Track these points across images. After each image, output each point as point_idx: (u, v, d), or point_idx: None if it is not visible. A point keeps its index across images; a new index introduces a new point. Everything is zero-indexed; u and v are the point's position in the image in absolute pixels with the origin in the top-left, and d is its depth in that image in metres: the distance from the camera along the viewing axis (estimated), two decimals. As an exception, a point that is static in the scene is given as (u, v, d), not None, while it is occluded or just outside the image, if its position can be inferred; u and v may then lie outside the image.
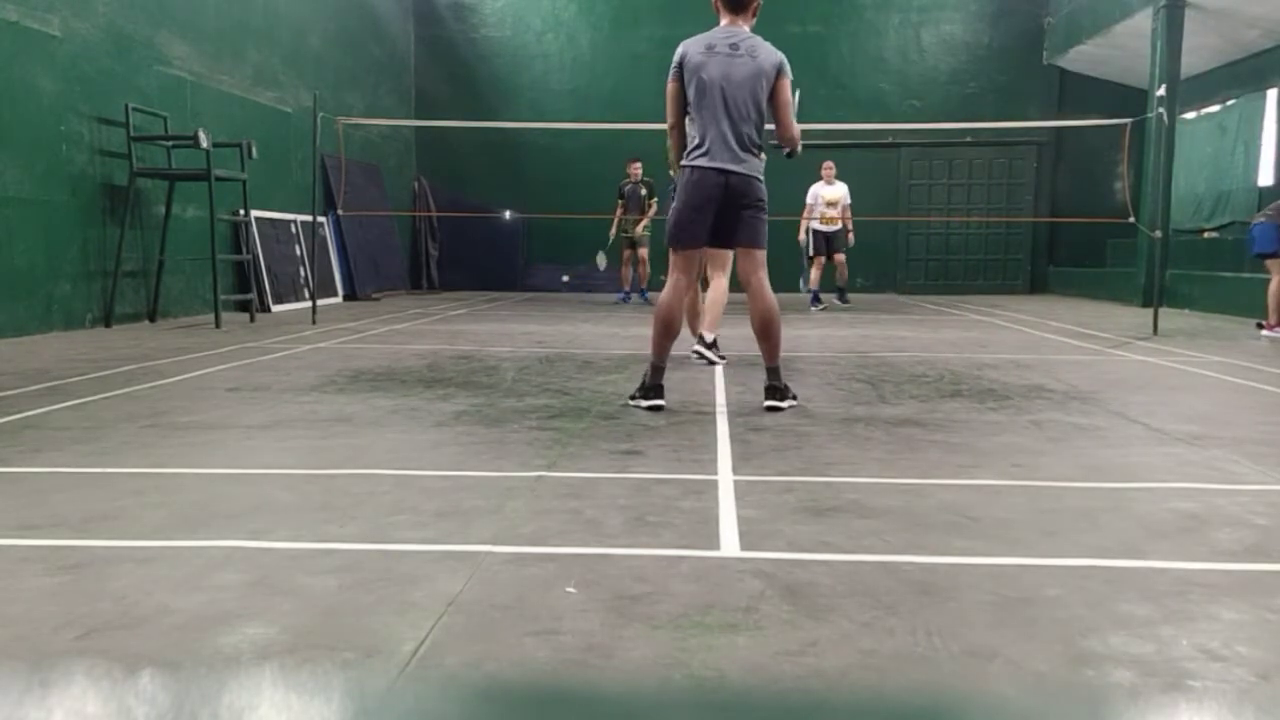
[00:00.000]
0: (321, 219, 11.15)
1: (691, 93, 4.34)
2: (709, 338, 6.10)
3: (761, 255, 4.46)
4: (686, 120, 4.45)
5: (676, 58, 4.40)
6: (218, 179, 8.56)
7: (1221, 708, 1.58)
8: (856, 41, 15.83)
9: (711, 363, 5.95)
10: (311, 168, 9.44)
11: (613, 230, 12.67)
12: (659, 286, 4.92)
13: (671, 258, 4.53)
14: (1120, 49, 13.79)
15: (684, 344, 5.87)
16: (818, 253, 11.93)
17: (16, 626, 1.85)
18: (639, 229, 12.52)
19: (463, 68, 16.19)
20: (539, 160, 15.76)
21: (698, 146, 4.34)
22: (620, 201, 12.65)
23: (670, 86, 4.43)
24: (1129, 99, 13.96)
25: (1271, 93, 12.58)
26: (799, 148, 4.63)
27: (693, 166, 4.35)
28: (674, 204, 4.50)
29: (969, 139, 15.62)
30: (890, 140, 15.56)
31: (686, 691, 1.61)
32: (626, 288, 12.91)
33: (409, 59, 16.08)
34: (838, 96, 15.62)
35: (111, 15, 8.45)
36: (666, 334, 4.46)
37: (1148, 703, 1.60)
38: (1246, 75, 13.04)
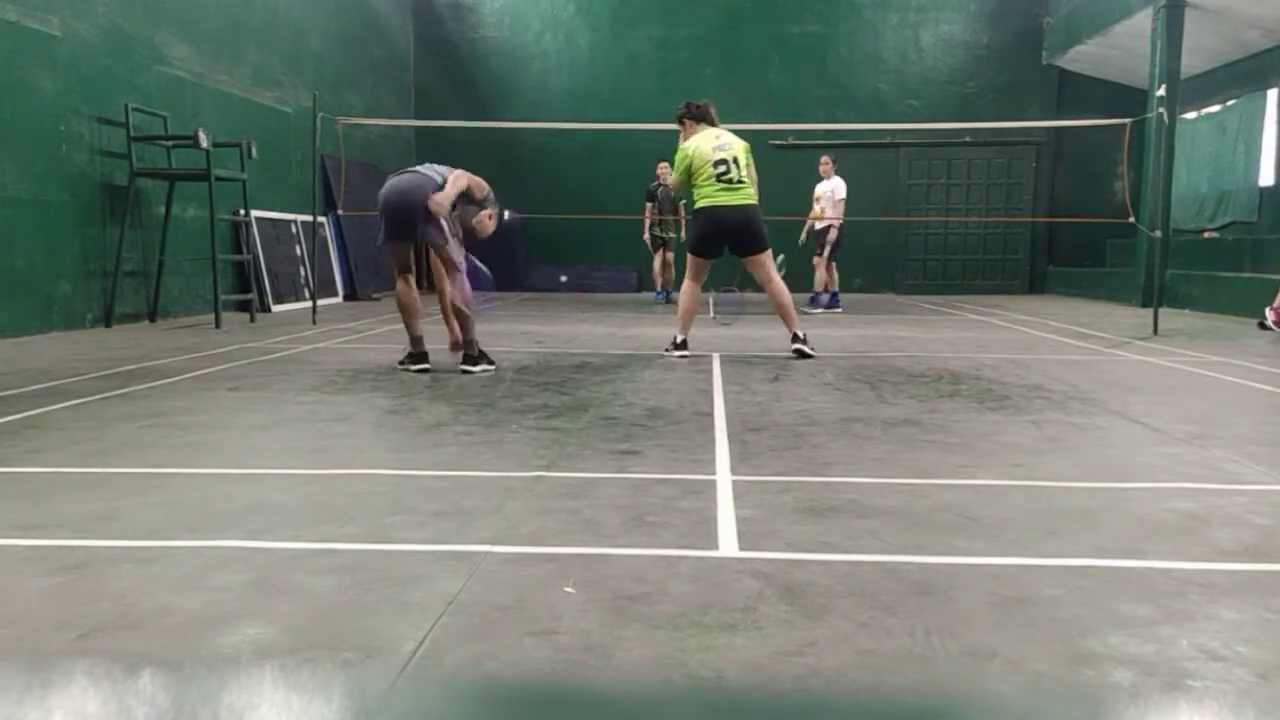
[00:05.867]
0: (321, 219, 11.15)
1: None
2: (801, 333, 6.55)
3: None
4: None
5: None
6: (218, 179, 8.56)
7: (1221, 708, 1.58)
8: (855, 41, 15.83)
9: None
10: (311, 168, 9.44)
11: (646, 234, 12.73)
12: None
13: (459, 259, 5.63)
14: (1120, 49, 13.79)
15: (697, 344, 5.86)
16: (817, 254, 11.64)
17: (16, 626, 1.85)
18: (682, 230, 12.53)
19: (462, 68, 16.18)
20: (538, 160, 15.75)
21: None
22: (652, 204, 12.67)
23: None
24: (1129, 99, 13.96)
25: (1272, 93, 12.59)
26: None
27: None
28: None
29: (968, 139, 15.62)
30: (889, 140, 15.57)
31: (685, 691, 1.61)
32: (665, 288, 12.82)
33: (409, 59, 16.08)
34: (836, 96, 15.63)
35: (111, 15, 8.45)
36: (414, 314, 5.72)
37: (1148, 703, 1.60)
38: (1246, 75, 13.04)
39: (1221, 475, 3.19)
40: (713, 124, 6.56)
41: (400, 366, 5.69)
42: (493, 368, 5.67)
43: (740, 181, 6.34)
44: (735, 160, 6.33)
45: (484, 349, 5.72)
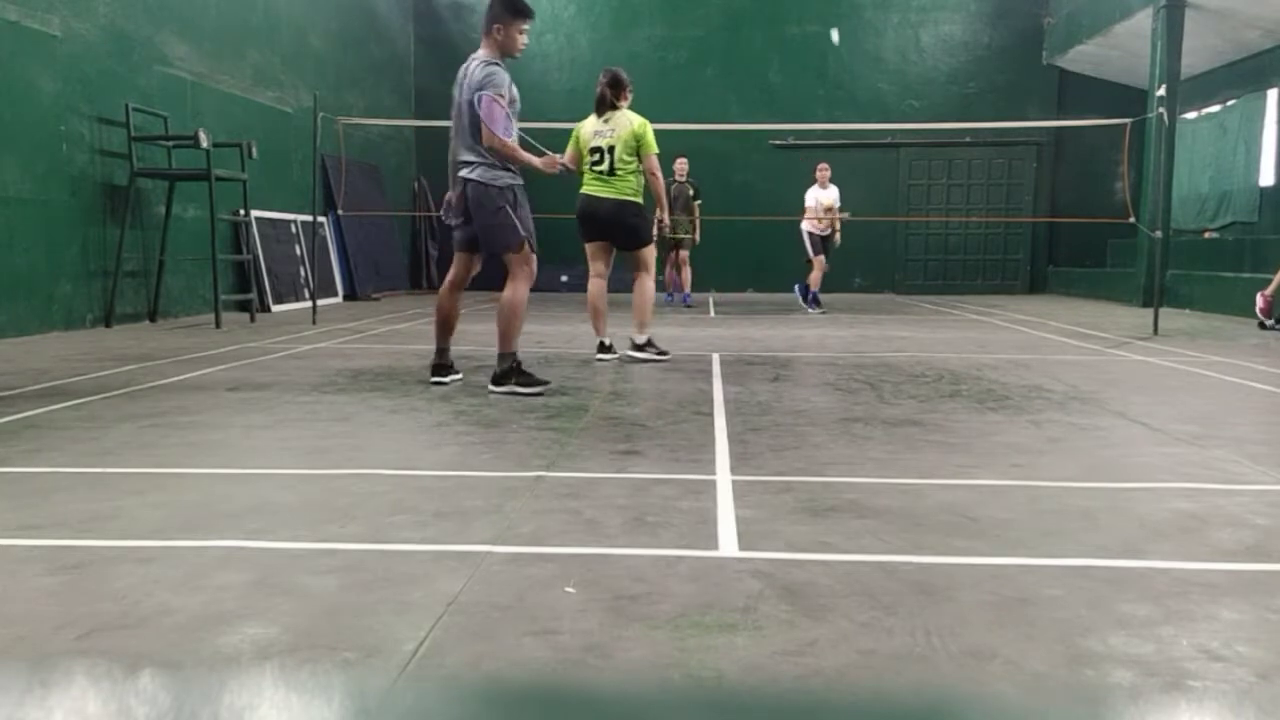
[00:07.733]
0: (321, 219, 11.15)
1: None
2: (641, 339, 6.31)
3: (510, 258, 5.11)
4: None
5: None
6: (218, 179, 8.56)
7: (1221, 708, 1.58)
8: (856, 42, 15.82)
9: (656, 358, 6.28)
10: (311, 168, 9.44)
11: (655, 231, 12.34)
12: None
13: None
14: (1120, 49, 13.79)
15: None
16: (816, 254, 11.51)
17: (16, 626, 1.85)
18: (695, 231, 12.20)
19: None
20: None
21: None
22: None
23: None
24: (1129, 99, 13.96)
25: (1272, 93, 12.59)
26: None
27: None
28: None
29: (968, 139, 15.62)
30: (890, 140, 15.56)
31: (685, 691, 1.61)
32: (673, 290, 12.50)
33: (409, 59, 16.08)
34: (837, 97, 15.63)
35: (111, 15, 8.45)
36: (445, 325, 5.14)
37: (1148, 703, 1.60)
38: (1246, 75, 13.04)
39: (1221, 475, 3.19)
40: (611, 106, 6.17)
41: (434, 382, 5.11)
42: (532, 391, 4.81)
43: (612, 173, 6.10)
44: (610, 150, 6.08)
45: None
